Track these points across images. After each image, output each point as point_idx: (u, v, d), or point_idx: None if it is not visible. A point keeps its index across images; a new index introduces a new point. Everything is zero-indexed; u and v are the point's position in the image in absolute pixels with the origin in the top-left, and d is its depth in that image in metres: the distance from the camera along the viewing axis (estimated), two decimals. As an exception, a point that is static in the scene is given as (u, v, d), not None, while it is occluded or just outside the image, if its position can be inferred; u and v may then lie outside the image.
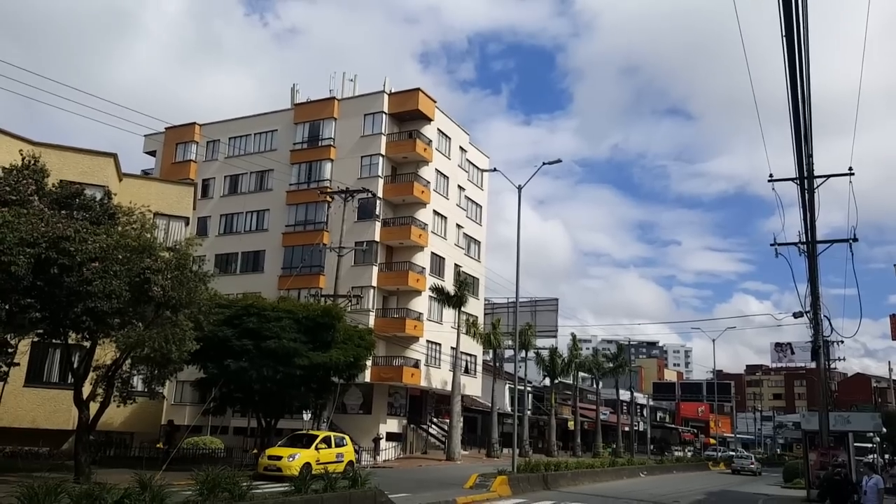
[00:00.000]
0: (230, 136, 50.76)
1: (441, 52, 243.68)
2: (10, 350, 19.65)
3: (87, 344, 19.55)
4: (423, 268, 44.92)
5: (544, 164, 30.57)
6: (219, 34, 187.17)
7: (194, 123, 52.15)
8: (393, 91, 46.45)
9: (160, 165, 52.53)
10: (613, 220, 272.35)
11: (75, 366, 20.03)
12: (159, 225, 25.58)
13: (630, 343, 72.98)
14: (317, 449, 24.25)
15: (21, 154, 19.15)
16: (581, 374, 65.35)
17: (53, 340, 20.51)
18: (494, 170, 35.83)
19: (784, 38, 10.00)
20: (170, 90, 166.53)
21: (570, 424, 62.53)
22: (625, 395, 69.46)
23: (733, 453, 75.06)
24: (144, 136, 51.60)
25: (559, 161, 30.49)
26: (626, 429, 69.77)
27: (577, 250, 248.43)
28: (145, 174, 47.51)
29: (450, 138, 49.58)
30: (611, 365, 66.64)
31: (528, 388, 55.92)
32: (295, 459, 22.84)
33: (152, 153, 53.92)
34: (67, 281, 15.89)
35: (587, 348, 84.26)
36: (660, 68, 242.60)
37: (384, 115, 45.57)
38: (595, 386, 68.04)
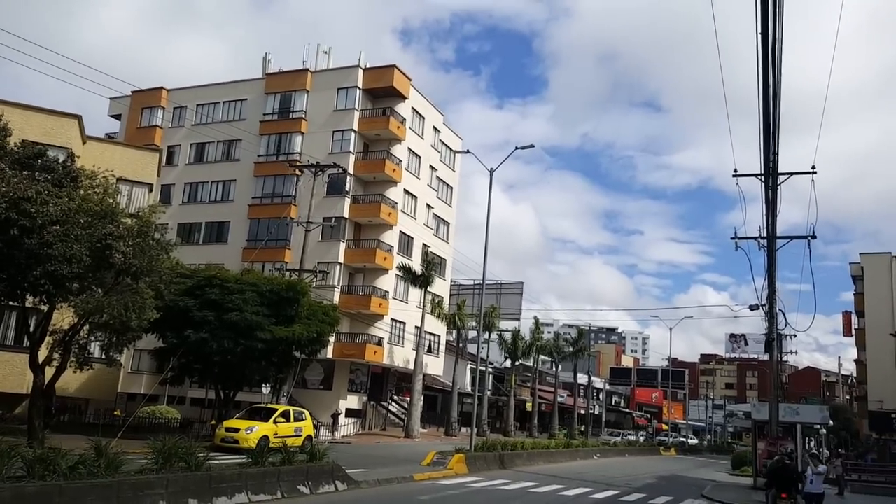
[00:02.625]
0: (198, 104, 49.85)
1: (423, 30, 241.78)
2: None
3: (44, 308, 19.23)
4: (391, 246, 44.86)
5: (517, 148, 30.63)
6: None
7: (161, 88, 51.06)
8: (368, 66, 46.02)
9: (125, 130, 51.41)
10: (581, 208, 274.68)
11: (32, 329, 19.67)
12: (122, 190, 25.06)
13: (591, 328, 73.92)
14: (275, 423, 24.26)
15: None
16: (542, 357, 66.20)
17: (10, 303, 20.11)
18: (467, 152, 35.87)
19: (758, 36, 10.16)
20: (139, 52, 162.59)
21: (528, 406, 63.38)
22: (583, 378, 70.54)
23: (684, 439, 76.96)
24: (110, 98, 50.41)
25: (532, 146, 30.56)
26: (583, 412, 70.96)
27: (545, 235, 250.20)
28: (109, 138, 46.42)
29: (424, 118, 49.36)
30: (571, 349, 67.57)
31: (490, 370, 56.51)
32: (253, 432, 22.83)
33: (117, 117, 52.73)
34: (27, 243, 15.58)
35: (549, 332, 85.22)
36: (635, 58, 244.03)
37: (358, 90, 45.15)
38: (554, 369, 68.95)
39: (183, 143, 49.99)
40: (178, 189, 49.18)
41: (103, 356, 21.45)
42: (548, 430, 62.03)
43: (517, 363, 60.94)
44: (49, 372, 19.08)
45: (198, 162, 49.44)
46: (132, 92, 47.29)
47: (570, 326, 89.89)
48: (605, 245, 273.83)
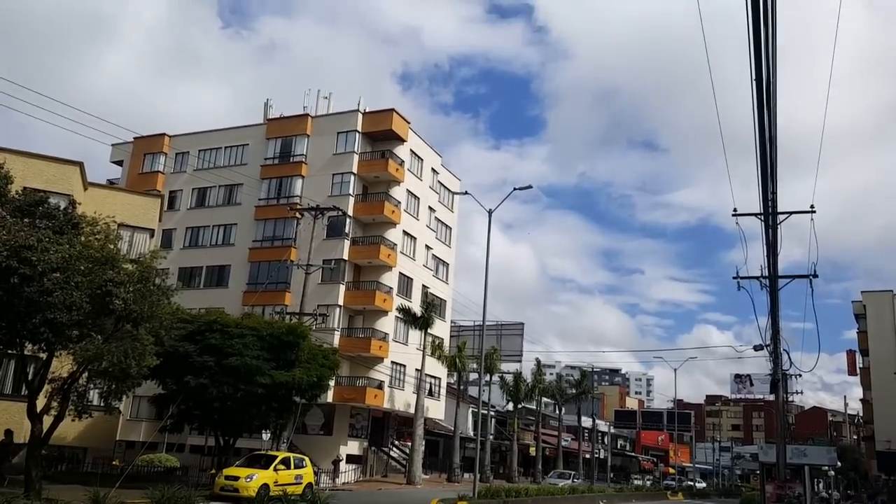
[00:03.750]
0: (200, 149, 50.31)
1: (423, 74, 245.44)
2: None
3: (43, 356, 19.04)
4: (391, 288, 44.79)
5: (515, 189, 30.86)
6: (196, 46, 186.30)
7: (164, 134, 51.60)
8: (367, 110, 46.59)
9: (127, 176, 51.77)
10: (579, 247, 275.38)
11: (30, 377, 19.47)
12: (123, 236, 25.12)
13: (593, 370, 73.33)
14: (275, 470, 23.86)
15: (-17, 159, 18.72)
16: (545, 399, 65.49)
17: (9, 351, 19.92)
18: (466, 193, 36.02)
19: (753, 82, 10.28)
20: (143, 100, 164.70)
21: (532, 450, 62.46)
22: (587, 421, 69.73)
23: (691, 483, 75.70)
24: (112, 145, 50.85)
25: (530, 187, 30.84)
26: (588, 456, 69.96)
27: (545, 275, 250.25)
28: (111, 184, 46.72)
29: (422, 159, 49.77)
30: (574, 391, 66.92)
31: (492, 413, 55.86)
32: (252, 480, 22.43)
33: (119, 163, 53.15)
34: (27, 291, 15.49)
35: (551, 374, 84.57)
36: (633, 99, 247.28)
37: (357, 134, 45.61)
38: (557, 412, 68.18)
39: (185, 188, 50.30)
40: (180, 234, 49.33)
41: (102, 404, 21.16)
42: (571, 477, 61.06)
43: (519, 406, 60.24)
44: (47, 421, 18.81)
45: (199, 206, 49.68)
46: (134, 138, 47.74)
47: (573, 368, 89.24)
48: (606, 284, 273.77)
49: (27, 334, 17.30)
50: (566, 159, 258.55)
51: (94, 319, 17.21)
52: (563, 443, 65.67)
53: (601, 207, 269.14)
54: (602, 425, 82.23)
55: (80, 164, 27.50)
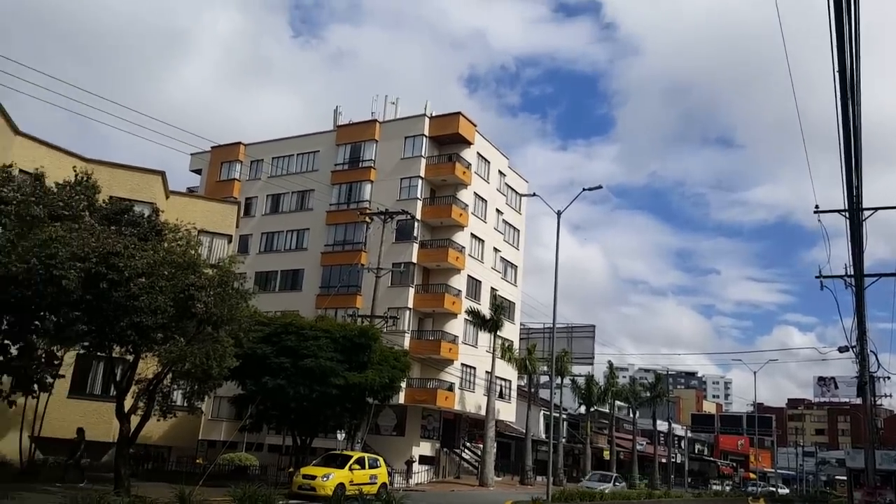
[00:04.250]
0: (273, 156, 51.64)
1: (489, 77, 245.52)
2: (56, 362, 20.07)
3: (130, 357, 19.90)
4: (460, 290, 44.91)
5: (584, 189, 30.44)
6: (268, 55, 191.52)
7: (239, 143, 53.24)
8: (434, 114, 46.88)
9: (205, 184, 53.63)
10: (651, 247, 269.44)
11: (118, 378, 20.38)
12: (203, 242, 26.05)
13: (668, 373, 71.58)
14: (350, 470, 24.23)
15: (74, 170, 19.75)
16: (618, 402, 64.32)
17: (98, 353, 20.92)
18: (534, 195, 35.82)
19: (836, 67, 9.86)
20: (218, 109, 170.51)
21: (606, 454, 61.47)
22: (662, 425, 68.10)
23: (773, 489, 73.03)
24: (191, 154, 52.83)
25: (600, 187, 30.39)
26: (664, 460, 68.35)
27: (616, 276, 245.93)
28: (190, 192, 48.51)
29: (489, 162, 49.75)
30: (648, 394, 65.52)
31: (564, 416, 55.32)
32: (329, 479, 22.84)
33: (198, 171, 55.11)
34: (115, 295, 16.23)
35: (624, 377, 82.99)
36: (706, 94, 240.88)
37: (424, 138, 45.96)
38: (632, 415, 66.85)
39: (259, 194, 51.78)
40: (256, 239, 50.76)
41: (185, 404, 22.01)
42: (627, 479, 60.00)
43: (592, 409, 59.43)
44: (134, 420, 19.66)
45: (273, 212, 51.02)
46: (211, 147, 49.56)
47: (647, 371, 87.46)
48: (679, 285, 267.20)
49: (115, 337, 18.15)
50: (636, 158, 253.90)
51: (177, 322, 17.92)
52: (639, 447, 64.35)
53: (673, 207, 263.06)
54: (678, 429, 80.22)
55: (162, 174, 28.62)
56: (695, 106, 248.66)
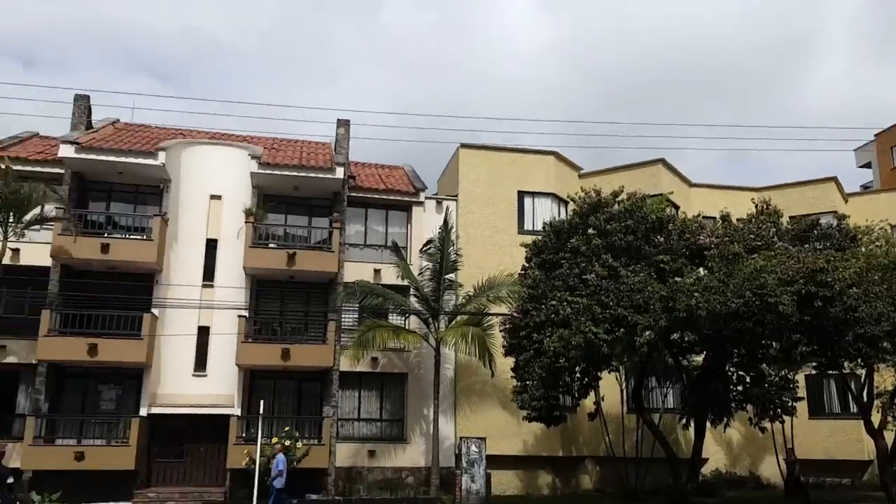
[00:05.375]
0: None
1: None
2: (792, 385, 20.67)
3: (860, 372, 19.19)
4: None
5: None
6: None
7: (904, 121, 47.08)
8: None
9: (878, 175, 49.02)
10: None
11: (856, 394, 19.79)
12: (899, 236, 23.70)
13: None
14: None
15: (753, 202, 20.80)
16: None
17: (827, 371, 20.77)
18: None
19: None
20: (859, 96, 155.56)
21: None
22: None
23: None
24: (854, 150, 49.35)
25: None
26: None
27: None
28: (865, 189, 45.07)
29: None
30: None
31: None
32: None
33: (866, 166, 50.94)
34: (831, 311, 16.07)
35: None
36: None
37: None
38: None
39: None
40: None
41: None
42: None
43: None
44: (888, 435, 18.68)
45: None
46: (875, 136, 45.39)
47: None
48: None
49: (840, 352, 17.77)
50: None
51: (905, 327, 16.56)
52: None
53: None
54: None
55: (834, 179, 27.72)
56: None
